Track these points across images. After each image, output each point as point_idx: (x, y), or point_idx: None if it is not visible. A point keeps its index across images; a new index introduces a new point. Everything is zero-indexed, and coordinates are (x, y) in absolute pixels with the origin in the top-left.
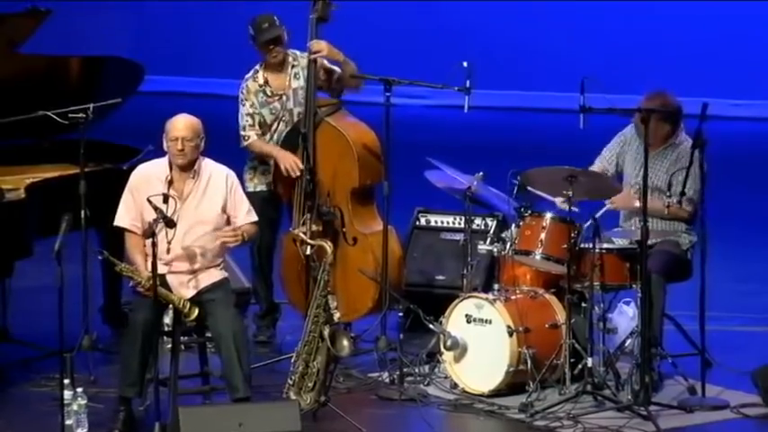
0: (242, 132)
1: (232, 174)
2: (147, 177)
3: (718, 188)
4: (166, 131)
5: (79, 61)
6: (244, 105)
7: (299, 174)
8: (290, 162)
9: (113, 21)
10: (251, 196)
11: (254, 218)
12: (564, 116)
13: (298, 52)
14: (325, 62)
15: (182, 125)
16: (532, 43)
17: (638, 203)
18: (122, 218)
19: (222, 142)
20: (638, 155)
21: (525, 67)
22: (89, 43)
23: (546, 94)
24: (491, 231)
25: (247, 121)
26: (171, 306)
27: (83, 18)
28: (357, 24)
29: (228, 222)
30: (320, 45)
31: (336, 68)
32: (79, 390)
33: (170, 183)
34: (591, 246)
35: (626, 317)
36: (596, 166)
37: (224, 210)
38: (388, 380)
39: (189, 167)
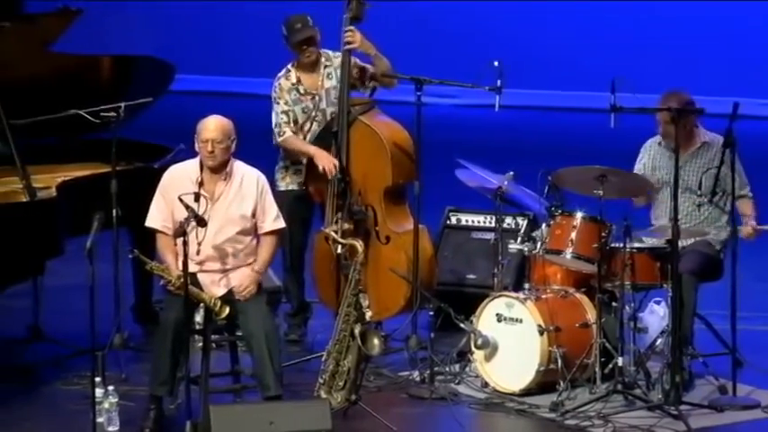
0: (276, 129)
1: (263, 177)
2: (179, 178)
3: (756, 185)
4: (197, 133)
5: (111, 60)
6: (278, 104)
7: (335, 173)
8: (329, 162)
9: (144, 19)
10: (283, 195)
11: (281, 225)
12: (594, 115)
13: (330, 52)
14: (357, 60)
15: (212, 127)
16: (563, 43)
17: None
18: (154, 219)
19: (253, 142)
20: (665, 160)
21: (556, 67)
22: (119, 42)
23: (577, 93)
24: (522, 230)
25: (282, 118)
26: (202, 304)
27: (113, 17)
28: (388, 23)
29: (255, 228)
30: (354, 36)
31: (369, 66)
32: (110, 388)
33: (200, 184)
34: (622, 245)
35: (657, 316)
36: None
37: (254, 214)
38: (418, 379)
39: (220, 169)
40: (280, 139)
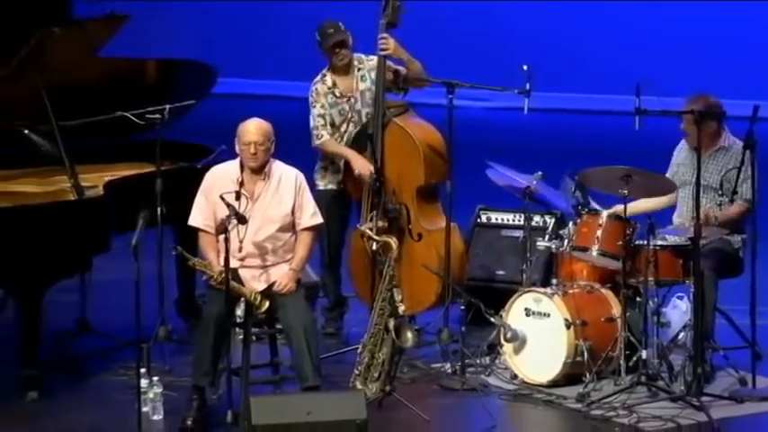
0: (314, 132)
1: (301, 175)
2: (220, 179)
3: None
4: (239, 136)
5: (156, 64)
6: (315, 107)
7: (369, 178)
8: (364, 167)
9: (187, 24)
10: (321, 194)
11: (319, 220)
12: (620, 118)
13: (363, 56)
14: (391, 63)
15: (253, 130)
16: (590, 47)
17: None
18: (196, 218)
19: (291, 143)
20: (689, 158)
21: (583, 71)
22: (162, 45)
23: (603, 96)
24: (549, 228)
25: (319, 121)
26: (243, 299)
27: (158, 21)
28: (422, 28)
29: (293, 224)
30: (388, 43)
31: (402, 69)
32: (155, 379)
33: (241, 184)
34: (645, 243)
35: (679, 311)
36: None
37: (292, 212)
38: (450, 370)
39: (260, 169)
40: (318, 142)
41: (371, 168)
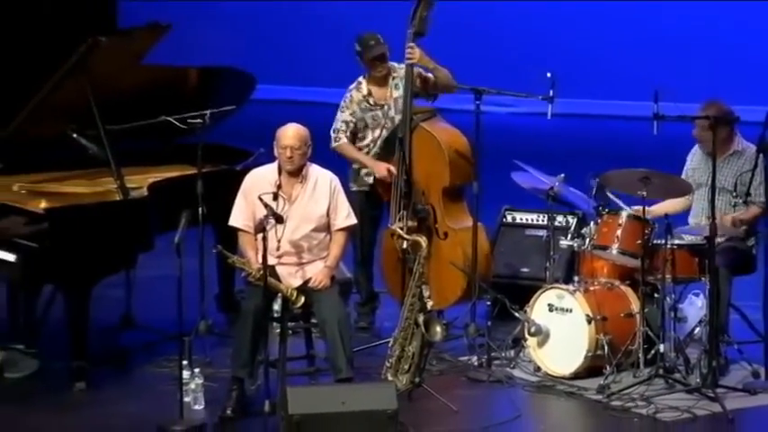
0: (333, 134)
1: (335, 178)
2: (259, 181)
3: None
4: (277, 140)
5: (198, 72)
6: (343, 112)
7: (390, 179)
8: (383, 169)
9: (230, 33)
10: (354, 195)
11: (353, 221)
12: (639, 123)
13: (395, 64)
14: (421, 70)
15: (291, 134)
16: (610, 56)
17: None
18: (236, 218)
19: (326, 146)
20: (704, 162)
21: (604, 78)
22: (205, 53)
23: (622, 102)
24: (572, 228)
25: (342, 126)
26: (280, 294)
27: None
28: (451, 36)
29: (328, 225)
30: (414, 52)
31: (430, 75)
32: (196, 370)
33: (279, 186)
34: (663, 242)
35: (695, 307)
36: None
37: (327, 213)
38: (477, 363)
39: (297, 172)
40: (335, 145)
41: (389, 167)
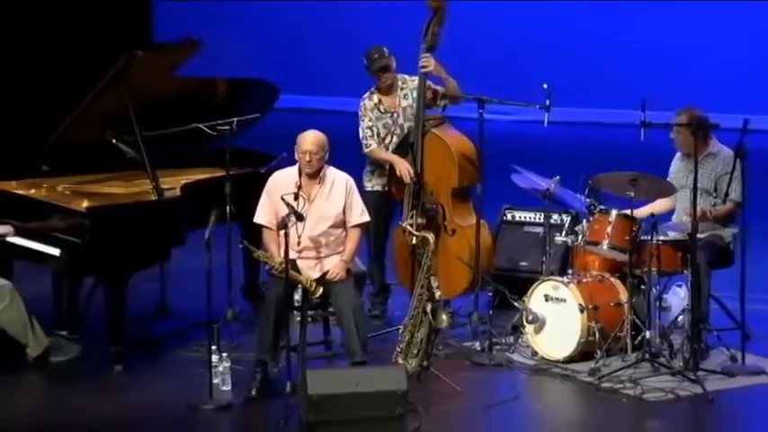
0: (364, 142)
1: (351, 180)
2: (281, 182)
3: (759, 190)
4: (297, 145)
5: (225, 82)
6: (363, 120)
7: (411, 178)
8: (405, 169)
9: (256, 47)
10: (369, 194)
11: (366, 218)
12: (627, 130)
13: (406, 76)
14: (430, 83)
15: (310, 140)
16: (601, 68)
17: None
18: (260, 216)
19: (344, 151)
20: (684, 165)
21: (595, 88)
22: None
23: (612, 111)
24: (566, 225)
25: (367, 132)
26: (300, 286)
27: (232, 44)
28: (458, 51)
29: (344, 222)
30: (429, 62)
31: (439, 88)
32: (224, 354)
33: (299, 187)
34: (649, 238)
35: (678, 297)
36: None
37: (343, 211)
38: (479, 348)
39: (316, 174)
40: (366, 150)
41: (411, 169)
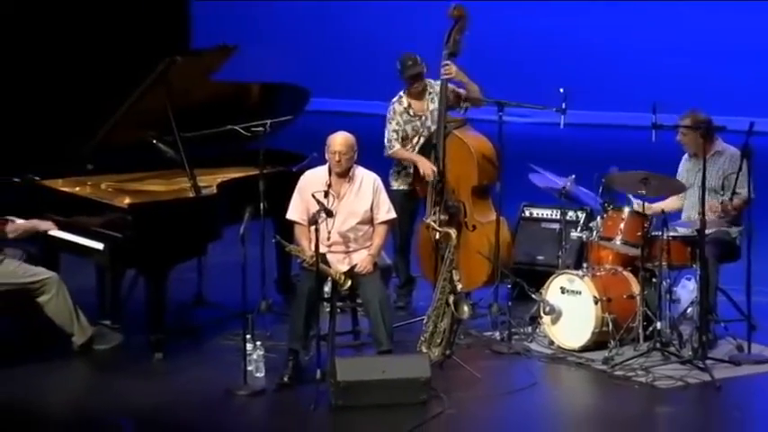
0: (387, 143)
1: (378, 179)
2: (312, 181)
3: (764, 190)
4: (328, 145)
5: (259, 87)
6: (390, 123)
7: (434, 176)
8: (428, 168)
9: (289, 52)
10: (395, 193)
11: (392, 215)
12: (639, 132)
13: (432, 81)
14: (454, 87)
15: (340, 141)
16: (614, 73)
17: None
18: (292, 213)
19: (371, 151)
20: (691, 165)
21: (609, 92)
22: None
23: (625, 113)
24: (581, 222)
25: (393, 135)
26: (329, 278)
27: (267, 48)
28: (479, 56)
29: (371, 218)
30: (450, 69)
31: (462, 91)
32: (258, 343)
33: (329, 185)
34: (660, 234)
35: (687, 290)
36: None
37: (371, 208)
38: (499, 338)
39: (345, 174)
40: (390, 152)
41: (434, 169)
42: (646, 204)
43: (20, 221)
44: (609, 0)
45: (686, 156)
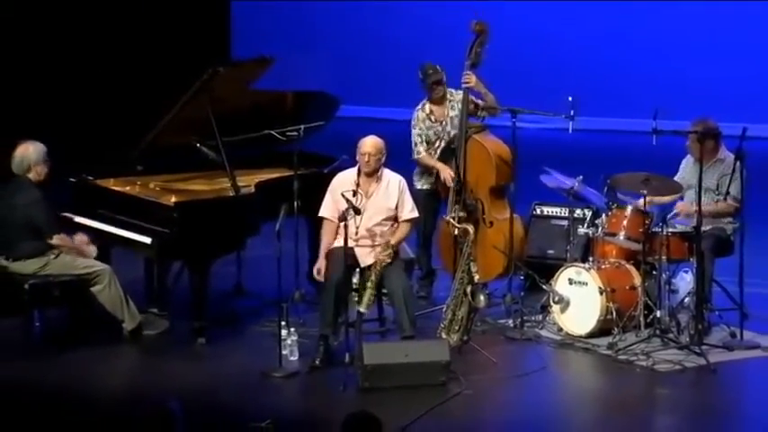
0: (414, 148)
1: (403, 180)
2: (343, 181)
3: (757, 190)
4: (358, 147)
5: (293, 95)
6: (415, 129)
7: (451, 182)
8: (448, 174)
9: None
10: (419, 192)
11: (415, 215)
12: (641, 136)
13: (453, 90)
14: (473, 97)
15: (369, 144)
16: (619, 82)
17: (693, 209)
18: (324, 210)
19: (398, 154)
20: (693, 167)
21: (614, 100)
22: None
23: (629, 120)
24: (587, 219)
25: (417, 139)
26: (357, 269)
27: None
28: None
29: (396, 216)
30: (471, 78)
31: (480, 102)
32: (292, 329)
33: (358, 185)
34: (660, 230)
35: (685, 281)
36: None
37: (396, 207)
38: (512, 325)
39: (373, 174)
40: (417, 157)
41: (453, 175)
42: (656, 198)
43: (78, 237)
44: (614, 17)
45: (687, 158)
